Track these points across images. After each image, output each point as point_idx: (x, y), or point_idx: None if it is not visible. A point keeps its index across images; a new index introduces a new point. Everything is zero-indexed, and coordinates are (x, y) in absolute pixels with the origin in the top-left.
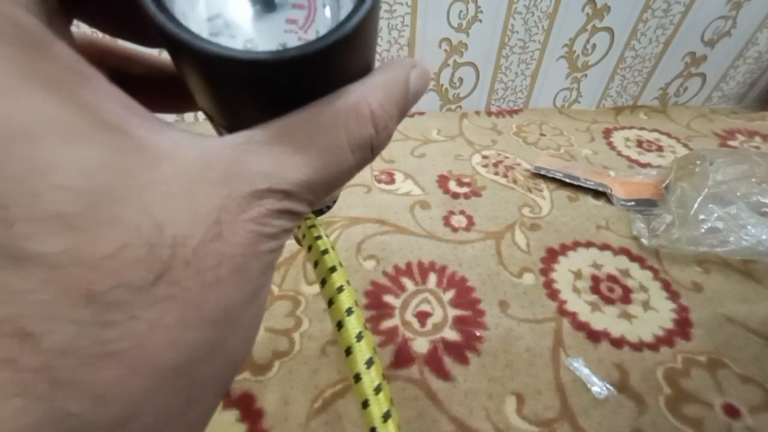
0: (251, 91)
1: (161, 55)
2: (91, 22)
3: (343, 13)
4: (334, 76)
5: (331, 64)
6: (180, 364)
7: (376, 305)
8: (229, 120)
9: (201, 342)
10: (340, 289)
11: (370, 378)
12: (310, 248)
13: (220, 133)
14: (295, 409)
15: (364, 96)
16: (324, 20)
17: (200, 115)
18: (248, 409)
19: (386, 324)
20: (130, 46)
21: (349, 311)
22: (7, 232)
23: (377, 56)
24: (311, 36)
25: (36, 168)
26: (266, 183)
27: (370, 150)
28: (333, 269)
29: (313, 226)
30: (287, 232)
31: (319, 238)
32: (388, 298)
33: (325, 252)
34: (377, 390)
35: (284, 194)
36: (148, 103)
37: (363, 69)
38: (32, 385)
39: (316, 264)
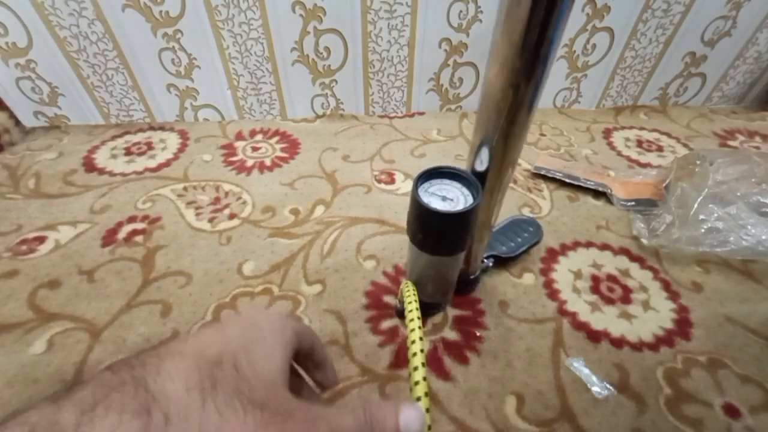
0: (437, 222)
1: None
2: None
3: (470, 201)
4: (468, 222)
5: (467, 217)
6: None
7: (376, 305)
8: (420, 235)
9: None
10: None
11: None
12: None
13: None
14: None
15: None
16: (462, 203)
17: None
18: None
19: (386, 324)
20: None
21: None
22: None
23: (378, 56)
24: (459, 207)
25: (261, 376)
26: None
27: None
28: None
29: (416, 323)
30: None
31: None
32: (389, 298)
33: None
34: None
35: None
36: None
37: (477, 220)
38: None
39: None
